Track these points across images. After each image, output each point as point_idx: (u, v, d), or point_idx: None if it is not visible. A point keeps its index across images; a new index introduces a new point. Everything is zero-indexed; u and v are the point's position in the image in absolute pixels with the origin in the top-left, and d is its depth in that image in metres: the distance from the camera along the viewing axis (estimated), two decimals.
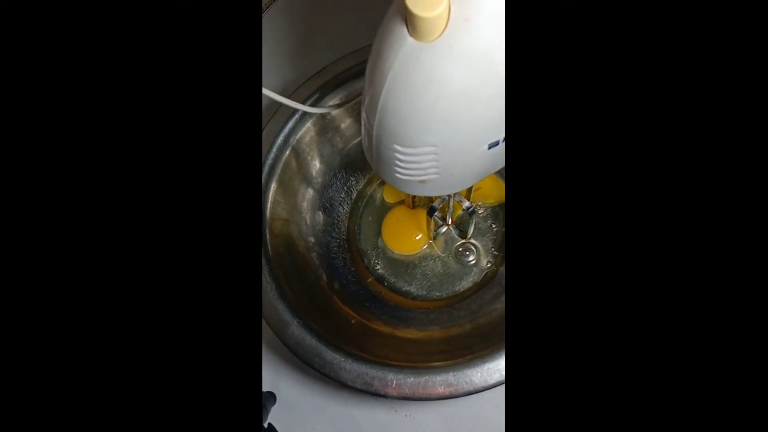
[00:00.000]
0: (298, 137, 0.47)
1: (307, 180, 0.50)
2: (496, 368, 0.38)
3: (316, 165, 0.50)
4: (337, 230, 0.52)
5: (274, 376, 0.47)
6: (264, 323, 0.41)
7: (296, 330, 0.41)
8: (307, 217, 0.50)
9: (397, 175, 0.30)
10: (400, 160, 0.29)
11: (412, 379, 0.38)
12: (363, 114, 0.29)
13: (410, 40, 0.23)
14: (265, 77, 0.54)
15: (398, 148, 0.28)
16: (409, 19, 0.22)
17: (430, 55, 0.23)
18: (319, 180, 0.51)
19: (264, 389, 0.43)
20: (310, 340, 0.40)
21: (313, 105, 0.45)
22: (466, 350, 0.40)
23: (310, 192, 0.50)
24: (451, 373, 0.38)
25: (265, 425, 0.41)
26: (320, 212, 0.51)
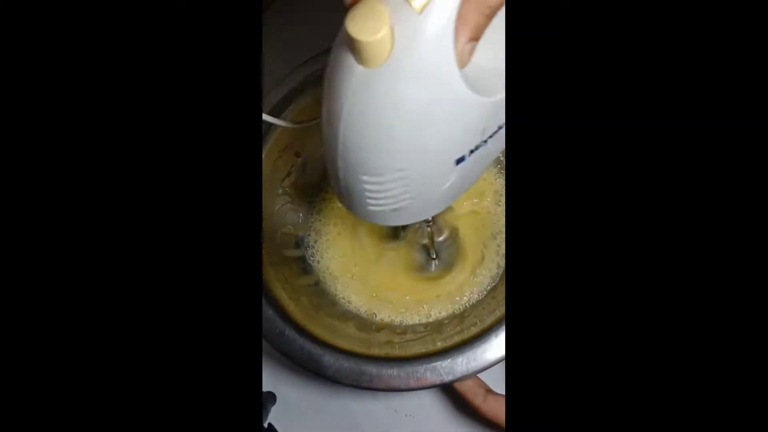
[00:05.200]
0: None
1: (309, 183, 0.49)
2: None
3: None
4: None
5: (274, 377, 0.47)
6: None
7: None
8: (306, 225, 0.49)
9: (370, 207, 0.30)
10: (370, 191, 0.28)
11: (394, 371, 0.37)
12: (324, 152, 0.28)
13: (359, 68, 0.23)
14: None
15: (366, 178, 0.27)
16: (355, 46, 0.22)
17: (381, 80, 0.23)
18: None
19: (264, 389, 0.43)
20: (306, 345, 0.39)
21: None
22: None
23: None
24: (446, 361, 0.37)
25: (265, 425, 0.41)
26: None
